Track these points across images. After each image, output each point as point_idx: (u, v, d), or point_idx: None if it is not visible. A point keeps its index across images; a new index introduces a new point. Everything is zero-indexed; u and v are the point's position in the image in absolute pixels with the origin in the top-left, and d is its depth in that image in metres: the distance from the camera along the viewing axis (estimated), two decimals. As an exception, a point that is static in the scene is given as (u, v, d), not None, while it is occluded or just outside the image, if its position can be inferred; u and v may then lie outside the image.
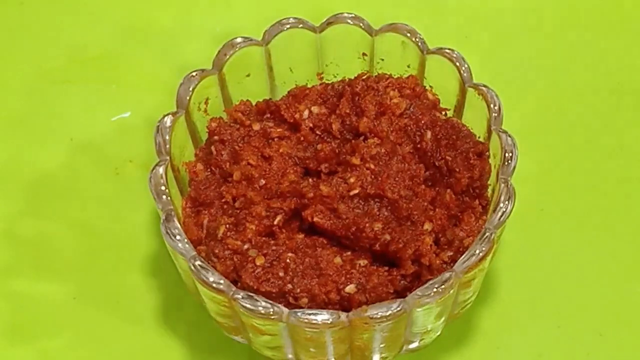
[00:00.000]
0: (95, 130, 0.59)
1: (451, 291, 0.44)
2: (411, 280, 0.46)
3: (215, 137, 0.50)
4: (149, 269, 0.54)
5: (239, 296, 0.43)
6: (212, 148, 0.50)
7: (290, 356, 0.48)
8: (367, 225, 0.46)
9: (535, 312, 0.53)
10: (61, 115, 0.60)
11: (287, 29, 0.52)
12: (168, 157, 0.48)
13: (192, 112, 0.51)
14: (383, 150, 0.47)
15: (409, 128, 0.49)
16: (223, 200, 0.48)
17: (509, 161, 0.47)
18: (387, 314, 0.43)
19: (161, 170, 0.47)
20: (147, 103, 0.60)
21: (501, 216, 0.45)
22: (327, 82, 0.53)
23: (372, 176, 0.47)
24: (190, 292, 0.50)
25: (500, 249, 0.53)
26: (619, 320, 0.53)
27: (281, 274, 0.45)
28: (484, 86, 0.49)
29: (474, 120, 0.50)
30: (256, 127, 0.50)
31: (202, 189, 0.49)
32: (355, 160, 0.47)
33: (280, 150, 0.49)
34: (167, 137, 0.48)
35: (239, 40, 0.51)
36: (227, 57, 0.51)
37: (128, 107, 0.60)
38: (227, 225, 0.47)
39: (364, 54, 0.53)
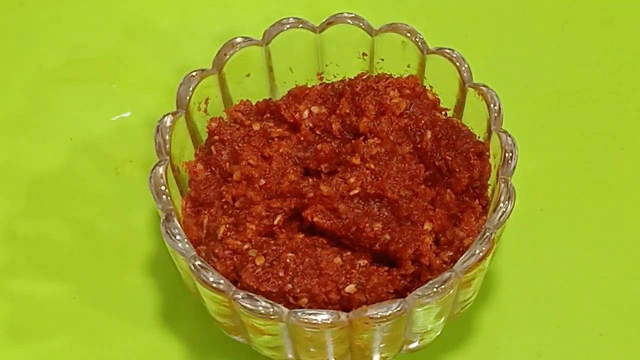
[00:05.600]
0: (95, 130, 0.59)
1: (451, 291, 0.44)
2: (411, 280, 0.46)
3: (215, 137, 0.50)
4: (149, 269, 0.54)
5: (239, 296, 0.43)
6: (212, 148, 0.50)
7: (290, 356, 0.48)
8: (367, 225, 0.45)
9: (535, 312, 0.53)
10: (61, 115, 0.60)
11: (287, 29, 0.52)
12: (168, 157, 0.48)
13: (192, 112, 0.51)
14: (383, 150, 0.47)
15: (409, 128, 0.49)
16: (223, 200, 0.48)
17: (509, 161, 0.47)
18: (387, 314, 0.43)
19: (161, 170, 0.47)
20: (147, 103, 0.60)
21: (501, 216, 0.45)
22: (327, 82, 0.53)
23: (372, 176, 0.47)
24: (190, 292, 0.50)
25: (500, 249, 0.53)
26: (619, 320, 0.53)
27: (281, 274, 0.45)
28: (484, 86, 0.49)
29: (474, 120, 0.50)
30: (256, 127, 0.50)
31: (202, 189, 0.49)
32: (355, 160, 0.47)
33: (280, 150, 0.49)
34: (167, 137, 0.48)
35: (239, 40, 0.51)
36: (227, 57, 0.51)
37: (128, 107, 0.60)
38: (227, 225, 0.47)
39: (364, 54, 0.53)
